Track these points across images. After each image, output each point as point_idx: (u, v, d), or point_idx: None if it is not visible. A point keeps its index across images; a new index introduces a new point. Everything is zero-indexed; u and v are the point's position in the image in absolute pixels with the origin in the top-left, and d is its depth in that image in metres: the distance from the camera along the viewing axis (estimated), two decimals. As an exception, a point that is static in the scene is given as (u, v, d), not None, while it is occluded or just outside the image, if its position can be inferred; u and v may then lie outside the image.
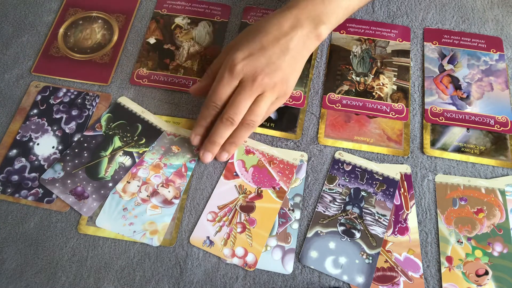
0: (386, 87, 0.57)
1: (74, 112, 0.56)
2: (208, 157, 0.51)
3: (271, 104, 0.50)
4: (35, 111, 0.56)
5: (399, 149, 0.54)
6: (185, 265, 0.48)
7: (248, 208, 0.50)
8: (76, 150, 0.53)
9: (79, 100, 0.57)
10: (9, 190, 0.51)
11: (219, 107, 0.50)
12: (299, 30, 0.50)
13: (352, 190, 0.51)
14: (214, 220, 0.50)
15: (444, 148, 0.53)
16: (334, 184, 0.52)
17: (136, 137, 0.54)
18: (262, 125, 0.55)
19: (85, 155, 0.53)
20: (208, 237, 0.49)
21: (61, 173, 0.51)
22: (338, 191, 0.51)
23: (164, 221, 0.49)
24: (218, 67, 0.52)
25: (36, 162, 0.52)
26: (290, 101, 0.56)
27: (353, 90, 0.57)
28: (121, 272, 0.48)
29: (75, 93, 0.57)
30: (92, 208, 0.50)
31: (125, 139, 0.54)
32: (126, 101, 0.57)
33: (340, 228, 0.49)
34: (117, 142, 0.54)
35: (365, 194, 0.51)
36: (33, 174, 0.52)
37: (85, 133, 0.54)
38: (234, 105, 0.48)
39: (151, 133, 0.54)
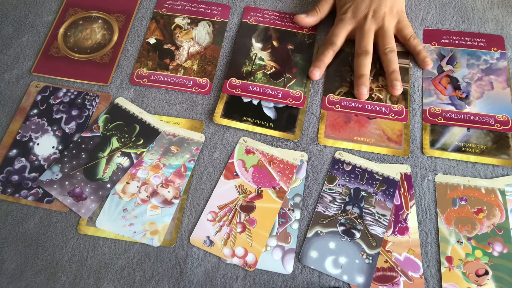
0: (386, 88, 0.57)
1: (74, 112, 0.56)
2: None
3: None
4: (35, 111, 0.56)
5: (399, 150, 0.54)
6: (185, 265, 0.48)
7: (248, 208, 0.50)
8: (74, 151, 0.53)
9: (79, 100, 0.57)
10: (9, 190, 0.51)
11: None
12: None
13: (352, 190, 0.51)
14: (214, 220, 0.50)
15: (444, 148, 0.53)
16: (334, 184, 0.52)
17: (134, 138, 0.54)
18: (262, 125, 0.55)
19: (83, 156, 0.53)
20: (208, 237, 0.49)
21: (59, 175, 0.51)
22: (338, 191, 0.51)
23: (164, 221, 0.49)
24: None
25: (36, 162, 0.52)
26: (290, 101, 0.56)
27: (352, 91, 0.57)
28: (121, 272, 0.48)
29: (75, 93, 0.57)
30: (91, 210, 0.50)
31: (123, 140, 0.54)
32: (123, 102, 0.57)
33: (340, 228, 0.49)
34: (114, 143, 0.54)
35: (365, 194, 0.51)
36: (33, 174, 0.52)
37: (82, 134, 0.54)
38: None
39: (149, 134, 0.54)
